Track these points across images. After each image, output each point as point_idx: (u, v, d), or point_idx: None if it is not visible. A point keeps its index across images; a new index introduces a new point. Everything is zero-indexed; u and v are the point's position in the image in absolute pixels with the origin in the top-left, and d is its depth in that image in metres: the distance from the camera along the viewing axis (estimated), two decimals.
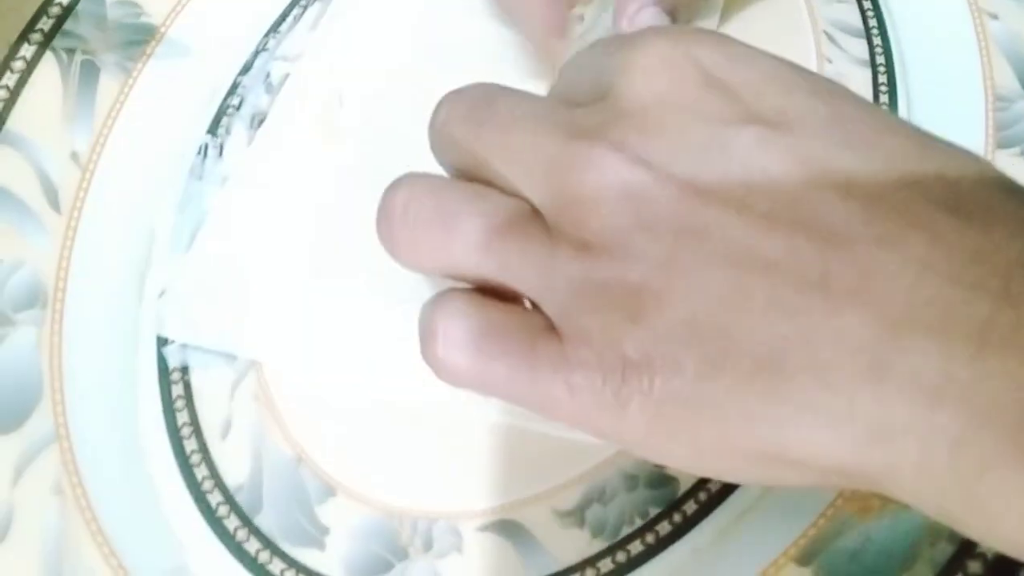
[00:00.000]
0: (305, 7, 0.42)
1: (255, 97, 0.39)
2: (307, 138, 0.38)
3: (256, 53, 0.40)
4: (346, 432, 0.32)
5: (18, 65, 0.38)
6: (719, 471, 0.22)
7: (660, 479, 0.30)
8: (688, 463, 0.22)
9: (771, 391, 0.20)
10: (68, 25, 0.39)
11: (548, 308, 0.22)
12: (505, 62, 0.37)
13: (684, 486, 0.29)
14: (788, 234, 0.20)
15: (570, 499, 0.30)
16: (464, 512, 0.30)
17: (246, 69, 0.40)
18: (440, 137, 0.25)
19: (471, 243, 0.23)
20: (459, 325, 0.23)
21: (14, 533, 0.28)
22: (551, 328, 0.22)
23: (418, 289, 0.32)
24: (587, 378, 0.21)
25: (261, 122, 0.39)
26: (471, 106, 0.25)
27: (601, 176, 0.21)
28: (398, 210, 0.24)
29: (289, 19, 0.41)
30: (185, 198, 0.37)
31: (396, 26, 0.40)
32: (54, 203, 0.35)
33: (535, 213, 0.23)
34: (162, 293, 0.35)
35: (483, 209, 0.23)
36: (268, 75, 0.40)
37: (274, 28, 0.41)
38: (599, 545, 0.29)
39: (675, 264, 0.20)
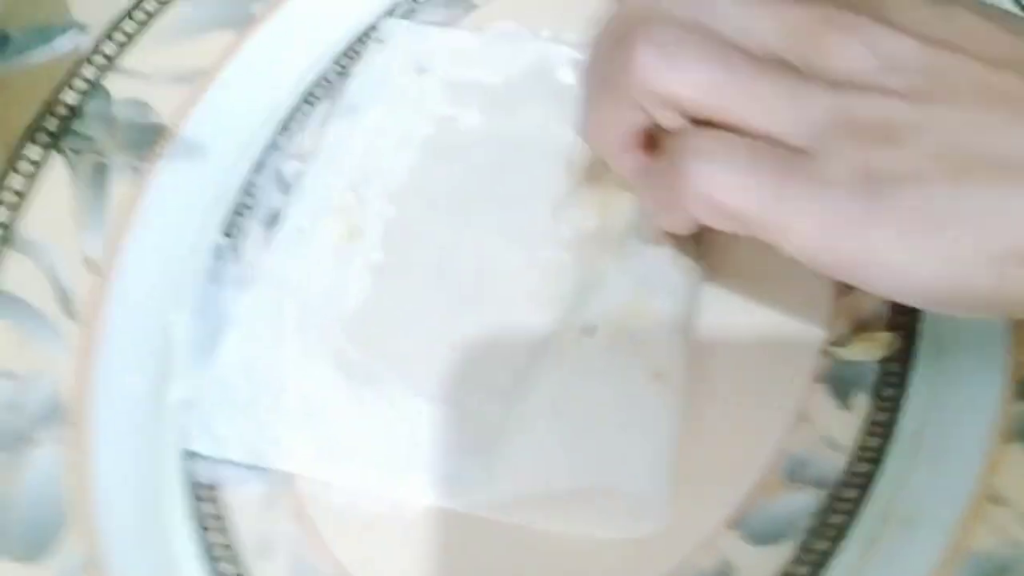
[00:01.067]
0: (313, 104, 0.41)
1: (268, 196, 0.38)
2: (328, 237, 0.36)
3: (266, 151, 0.39)
4: (392, 548, 0.30)
5: (24, 167, 0.36)
6: (959, 286, 0.23)
7: None
8: (932, 278, 0.23)
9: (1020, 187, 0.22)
10: (76, 125, 0.37)
11: (799, 138, 0.24)
12: (525, 151, 0.37)
13: None
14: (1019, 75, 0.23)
15: None
16: None
17: (257, 168, 0.39)
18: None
19: (723, 69, 0.25)
20: (717, 148, 0.25)
21: None
22: (800, 152, 0.24)
23: (454, 388, 0.31)
24: (841, 194, 0.23)
25: (277, 221, 0.37)
26: None
27: (847, 30, 0.24)
28: (655, 36, 0.26)
29: (298, 116, 0.40)
30: (203, 302, 0.35)
31: (411, 123, 0.39)
32: (69, 311, 0.33)
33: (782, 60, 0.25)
34: (186, 405, 0.33)
35: (731, 44, 0.25)
36: (280, 173, 0.39)
37: (283, 126, 0.40)
38: None
39: (923, 96, 0.23)
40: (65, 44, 0.28)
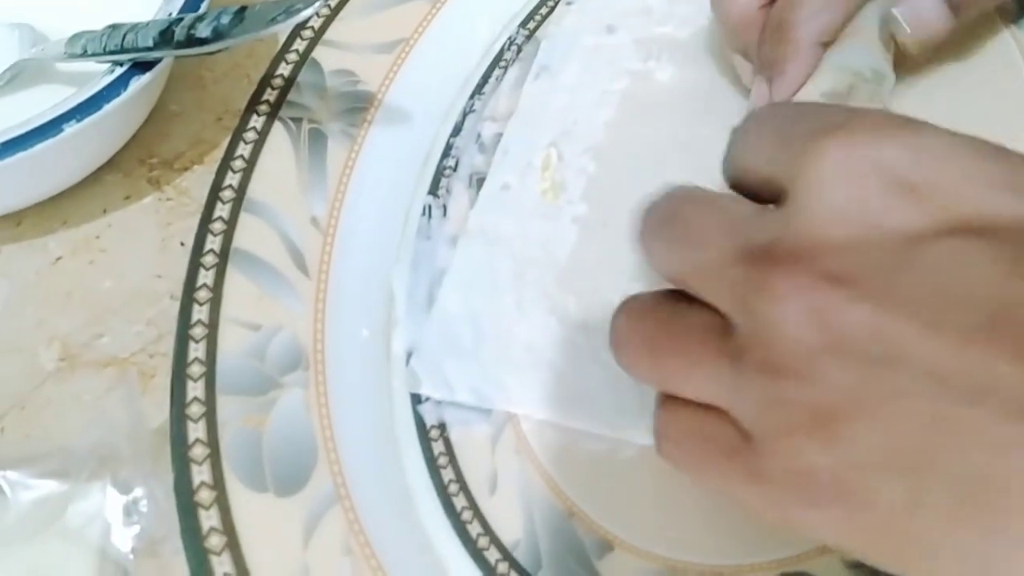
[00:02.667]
0: (505, 68, 0.41)
1: (469, 157, 0.39)
2: (533, 193, 0.37)
3: (464, 114, 0.40)
4: (614, 483, 0.31)
5: (250, 136, 0.38)
6: None
7: None
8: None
9: (984, 526, 0.18)
10: (292, 95, 0.39)
11: (741, 421, 0.21)
12: (711, 114, 0.36)
13: None
14: (990, 356, 0.18)
15: None
16: (750, 566, 0.29)
17: (456, 131, 0.40)
18: (645, 251, 0.24)
19: (672, 367, 0.23)
20: (673, 428, 0.23)
21: None
22: (744, 435, 0.21)
23: None
24: (781, 492, 0.20)
25: (479, 181, 0.38)
26: (661, 222, 0.24)
27: (786, 299, 0.20)
28: (621, 337, 0.24)
29: (492, 80, 0.41)
30: (416, 257, 0.37)
31: (606, 80, 0.39)
32: (302, 267, 0.35)
33: (727, 328, 0.21)
34: (410, 353, 0.34)
35: (679, 331, 0.23)
36: (479, 135, 0.40)
37: (478, 89, 0.41)
38: None
39: (867, 393, 0.19)
40: (306, 13, 0.30)
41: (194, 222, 0.37)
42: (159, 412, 0.33)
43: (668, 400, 0.23)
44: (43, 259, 0.39)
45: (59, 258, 0.39)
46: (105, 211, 0.40)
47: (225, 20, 0.32)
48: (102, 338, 0.37)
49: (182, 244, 0.39)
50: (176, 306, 0.35)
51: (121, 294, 0.38)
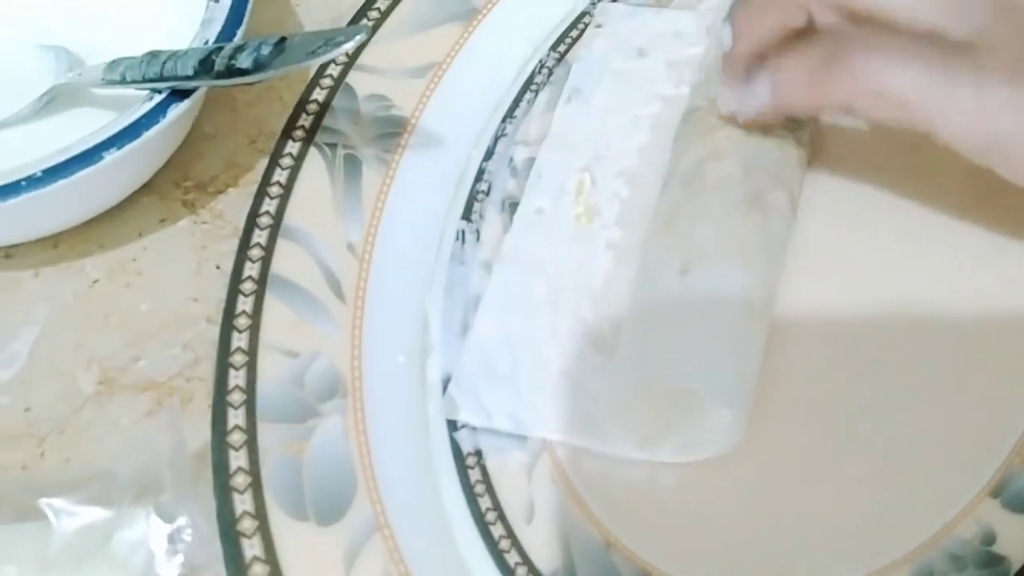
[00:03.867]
0: (536, 91, 0.41)
1: (502, 182, 0.39)
2: (566, 217, 0.37)
3: (496, 138, 0.40)
4: (652, 511, 0.31)
5: (286, 161, 0.38)
6: None
7: (988, 558, 0.28)
8: None
9: None
10: (327, 121, 0.39)
11: (961, 32, 0.26)
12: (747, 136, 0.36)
13: (1015, 565, 0.28)
14: None
15: None
16: None
17: (488, 155, 0.40)
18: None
19: None
20: (886, 44, 0.27)
21: None
22: (962, 45, 0.26)
23: (693, 361, 0.31)
24: (1000, 80, 0.25)
25: (512, 206, 0.38)
26: None
27: None
28: None
29: (523, 103, 0.41)
30: (450, 282, 0.37)
31: (638, 103, 0.39)
32: (339, 293, 0.35)
33: None
34: (446, 379, 0.34)
35: None
36: (511, 159, 0.40)
37: (510, 113, 0.41)
38: None
39: None
40: (347, 46, 0.30)
41: (229, 245, 0.37)
42: (198, 436, 0.33)
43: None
44: (81, 282, 0.39)
45: (96, 281, 0.39)
46: (141, 234, 0.40)
47: (266, 51, 0.32)
48: (140, 361, 0.37)
49: (218, 267, 0.39)
50: (213, 329, 0.35)
51: (158, 317, 0.38)
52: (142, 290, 0.39)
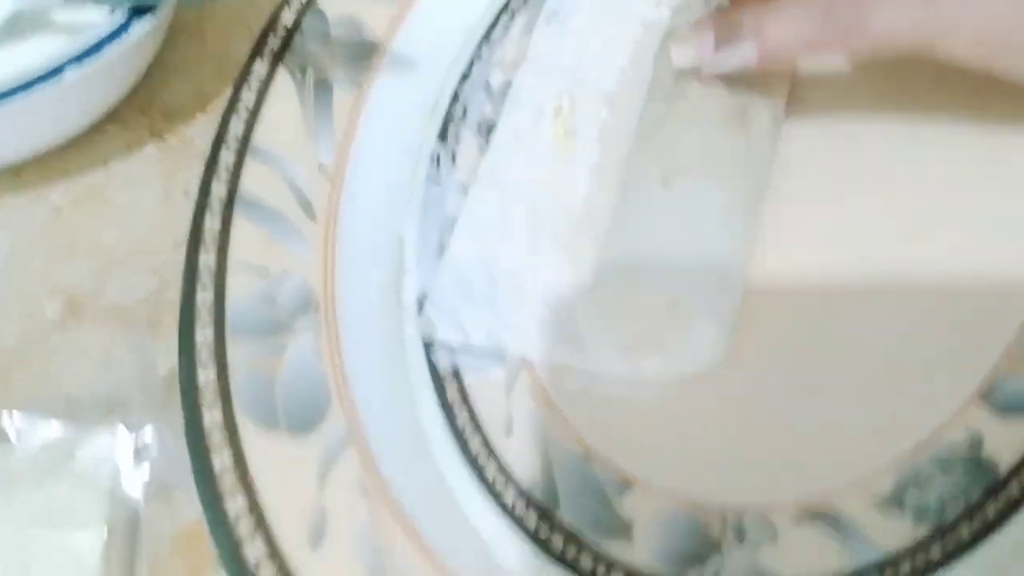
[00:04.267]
0: (513, 15, 0.40)
1: (478, 105, 0.38)
2: (545, 139, 0.36)
3: (472, 62, 0.39)
4: (632, 424, 0.30)
5: (254, 84, 0.37)
6: None
7: (976, 463, 0.27)
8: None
9: None
10: (296, 44, 0.38)
11: None
12: None
13: (1003, 468, 0.27)
14: None
15: (884, 485, 0.28)
16: (774, 503, 0.28)
17: (464, 78, 0.39)
18: None
19: None
20: None
21: (331, 533, 0.27)
22: None
23: (677, 271, 0.30)
24: None
25: (488, 129, 0.37)
26: None
27: None
28: None
29: (499, 27, 0.40)
30: (426, 205, 0.36)
31: (618, 27, 0.38)
32: (310, 214, 0.34)
33: None
34: (421, 299, 0.33)
35: None
36: (488, 83, 0.39)
37: (486, 36, 0.40)
38: (925, 530, 0.27)
39: None
40: None
41: (197, 172, 0.36)
42: (167, 360, 0.32)
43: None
44: (45, 211, 0.38)
45: (61, 209, 0.38)
46: (107, 162, 0.39)
47: None
48: (107, 289, 0.36)
49: (186, 194, 0.38)
50: (181, 255, 0.34)
51: (125, 244, 0.37)
52: (109, 218, 0.38)
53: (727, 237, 0.31)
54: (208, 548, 0.30)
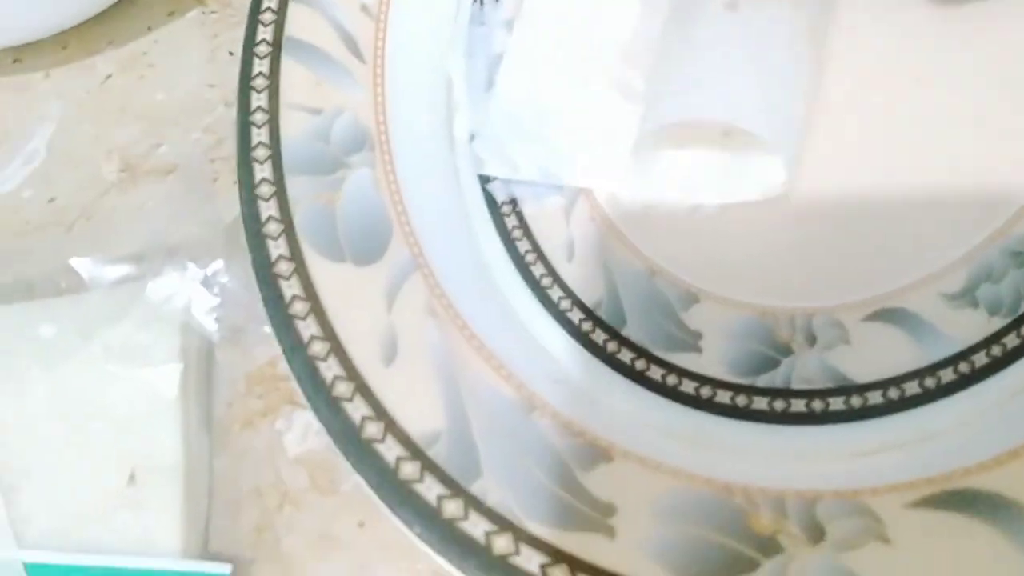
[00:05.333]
0: None
1: None
2: None
3: None
4: (695, 239, 0.29)
5: None
6: None
7: None
8: None
9: None
10: None
11: None
12: None
13: None
14: None
15: (955, 281, 0.27)
16: (842, 305, 0.27)
17: None
18: None
19: None
20: None
21: (403, 351, 0.27)
22: None
23: (742, 98, 0.29)
24: None
25: None
26: None
27: None
28: None
29: None
30: (471, 44, 0.34)
31: None
32: (357, 54, 0.33)
33: None
34: (472, 136, 0.32)
35: None
36: None
37: None
38: (1000, 322, 0.26)
39: None
40: None
41: (240, 34, 0.34)
42: (228, 211, 0.32)
43: None
44: (93, 78, 0.37)
45: (109, 76, 0.37)
46: (150, 28, 0.38)
47: None
48: (161, 147, 0.35)
49: (231, 54, 0.37)
50: (232, 112, 0.33)
51: (175, 105, 0.36)
52: (156, 81, 0.37)
53: (793, 67, 0.29)
54: (282, 386, 0.30)
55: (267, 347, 0.30)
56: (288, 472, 0.29)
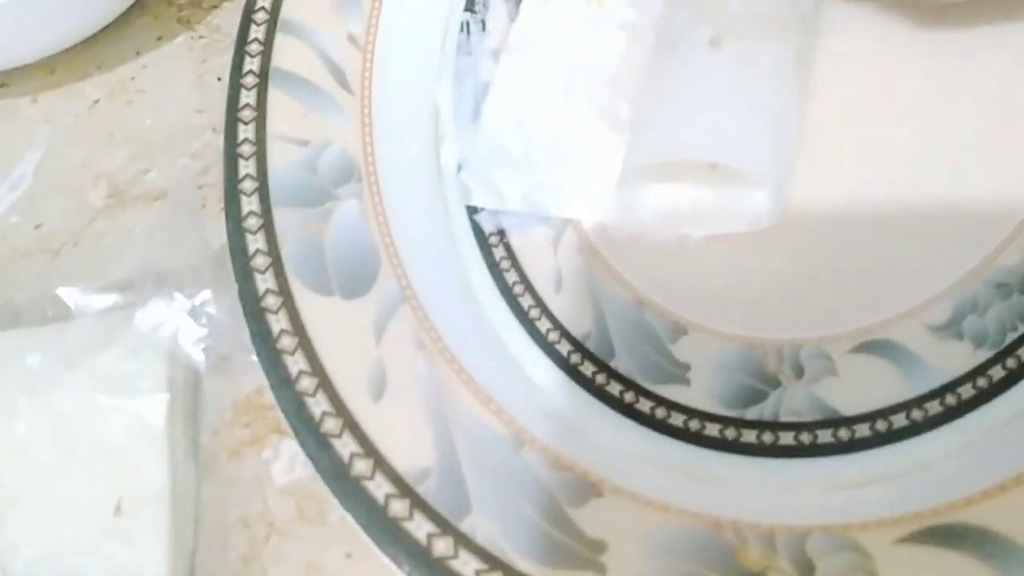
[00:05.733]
0: None
1: None
2: (574, 2, 0.34)
3: None
4: (682, 271, 0.29)
5: None
6: None
7: None
8: None
9: None
10: None
11: None
12: None
13: None
14: None
15: (941, 313, 0.27)
16: (829, 336, 0.27)
17: None
18: None
19: None
20: None
21: (391, 385, 0.26)
22: None
23: (727, 135, 0.29)
24: None
25: None
26: None
27: None
28: None
29: None
30: (459, 73, 0.34)
31: None
32: (344, 84, 0.33)
33: None
34: (459, 166, 0.32)
35: None
36: None
37: None
38: (985, 354, 0.26)
39: None
40: None
41: (228, 59, 0.34)
42: (216, 238, 0.31)
43: None
44: (81, 103, 0.37)
45: (97, 101, 0.37)
46: (138, 53, 0.38)
47: None
48: (149, 173, 0.35)
49: (219, 79, 0.36)
50: (220, 138, 0.32)
51: (163, 130, 0.36)
52: (144, 106, 0.36)
53: (778, 100, 0.29)
54: (269, 414, 0.29)
55: (254, 375, 0.29)
56: (275, 502, 0.29)
